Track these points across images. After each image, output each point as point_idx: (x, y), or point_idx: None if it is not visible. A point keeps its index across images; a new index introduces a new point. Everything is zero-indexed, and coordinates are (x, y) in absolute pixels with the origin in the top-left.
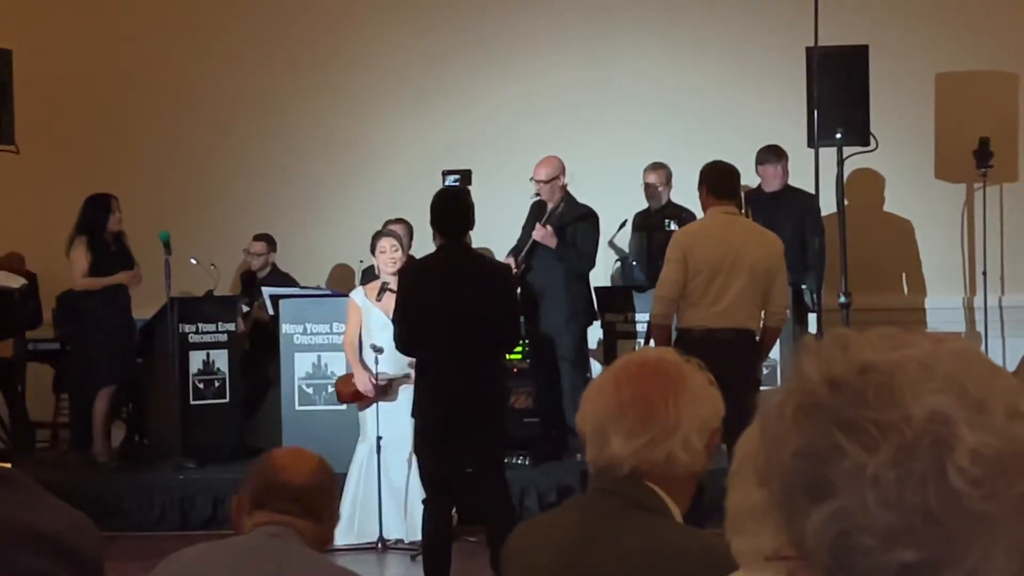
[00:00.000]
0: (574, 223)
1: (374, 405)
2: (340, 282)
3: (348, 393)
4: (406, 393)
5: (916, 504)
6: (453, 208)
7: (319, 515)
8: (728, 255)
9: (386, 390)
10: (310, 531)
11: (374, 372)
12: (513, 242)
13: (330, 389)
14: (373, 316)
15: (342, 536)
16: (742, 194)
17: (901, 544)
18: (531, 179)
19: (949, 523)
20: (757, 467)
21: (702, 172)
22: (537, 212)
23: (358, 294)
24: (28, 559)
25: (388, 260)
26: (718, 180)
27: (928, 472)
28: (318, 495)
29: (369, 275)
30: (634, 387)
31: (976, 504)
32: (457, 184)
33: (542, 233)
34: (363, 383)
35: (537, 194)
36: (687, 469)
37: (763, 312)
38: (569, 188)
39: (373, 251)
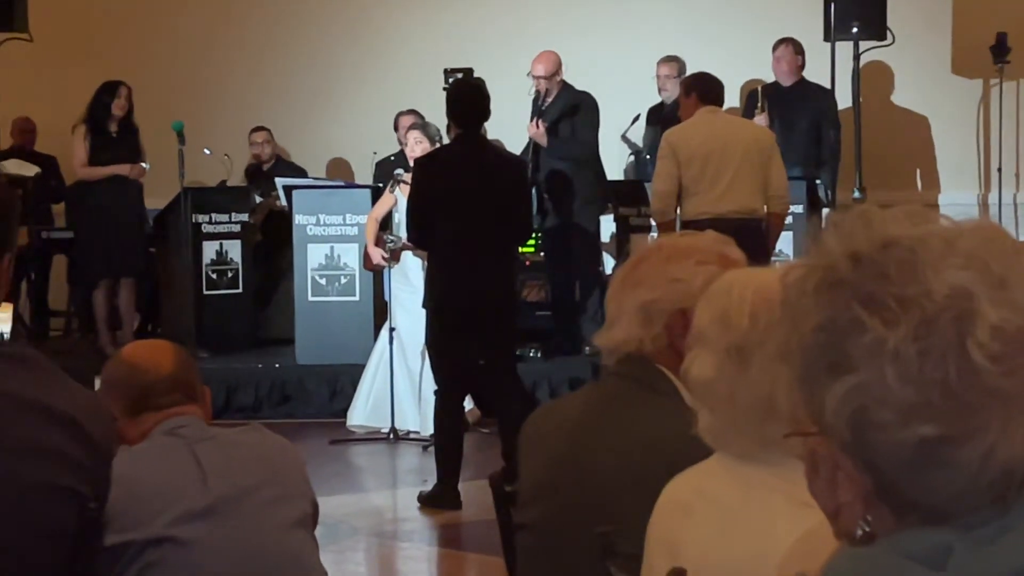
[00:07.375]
0: (571, 112)
1: (389, 296)
2: (345, 174)
3: (371, 264)
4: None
5: (935, 379)
6: (471, 99)
7: (195, 396)
8: (717, 141)
9: (396, 256)
10: (199, 414)
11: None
12: (518, 140)
13: (343, 280)
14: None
15: (357, 416)
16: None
17: (919, 419)
18: (528, 74)
19: (968, 398)
20: (778, 342)
21: (690, 81)
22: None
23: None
24: (40, 433)
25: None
26: (708, 87)
27: (948, 347)
28: (190, 377)
29: (383, 166)
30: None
31: (995, 380)
32: None
33: (534, 131)
34: (375, 258)
35: (537, 90)
36: None
37: (766, 198)
38: (584, 82)
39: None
